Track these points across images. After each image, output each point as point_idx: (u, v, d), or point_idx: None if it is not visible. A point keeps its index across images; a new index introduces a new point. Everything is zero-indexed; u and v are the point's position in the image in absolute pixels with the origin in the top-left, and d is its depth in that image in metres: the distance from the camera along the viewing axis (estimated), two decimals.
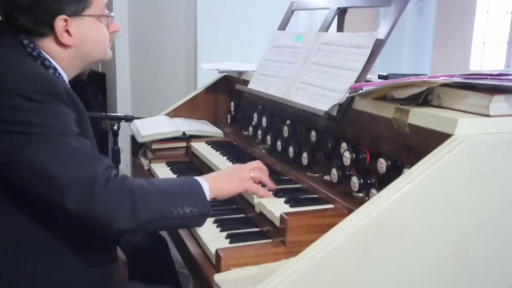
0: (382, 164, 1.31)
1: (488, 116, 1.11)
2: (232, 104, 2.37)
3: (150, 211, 1.21)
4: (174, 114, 2.44)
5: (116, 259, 1.39)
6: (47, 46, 1.34)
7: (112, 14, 1.48)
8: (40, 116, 1.18)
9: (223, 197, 1.41)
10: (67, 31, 1.34)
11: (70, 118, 1.24)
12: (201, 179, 1.35)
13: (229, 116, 2.40)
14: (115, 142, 2.87)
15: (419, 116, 1.17)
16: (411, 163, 1.10)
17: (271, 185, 1.50)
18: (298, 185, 1.58)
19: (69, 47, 1.36)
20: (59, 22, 1.32)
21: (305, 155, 1.65)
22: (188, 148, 2.19)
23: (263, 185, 1.49)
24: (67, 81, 1.39)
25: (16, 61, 1.27)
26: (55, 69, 1.34)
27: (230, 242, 1.33)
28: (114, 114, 3.18)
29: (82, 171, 1.17)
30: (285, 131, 1.81)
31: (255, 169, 1.48)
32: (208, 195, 1.33)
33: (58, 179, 1.15)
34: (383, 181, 1.27)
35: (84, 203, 1.15)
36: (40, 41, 1.34)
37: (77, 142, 1.21)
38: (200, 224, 1.33)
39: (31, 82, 1.19)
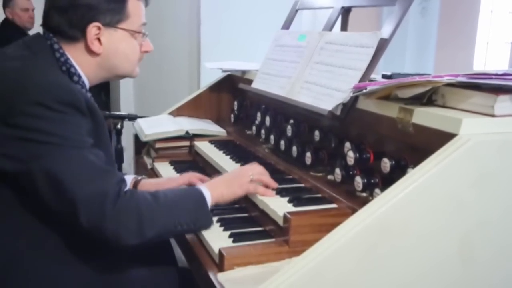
0: (386, 164, 1.31)
1: (493, 116, 1.11)
2: (235, 103, 2.37)
3: (156, 228, 1.25)
4: (177, 113, 2.44)
5: (125, 261, 1.39)
6: (75, 51, 1.36)
7: (147, 33, 1.48)
8: (57, 126, 1.19)
9: (224, 202, 1.45)
10: (98, 39, 1.36)
11: (85, 129, 1.25)
12: (204, 188, 1.39)
13: (232, 115, 2.40)
14: (119, 141, 2.88)
15: (424, 116, 1.17)
16: (415, 163, 1.10)
17: (273, 184, 1.50)
18: (302, 185, 1.58)
19: (97, 55, 1.38)
20: (92, 29, 1.34)
21: (308, 154, 1.65)
22: (191, 147, 2.19)
23: (266, 187, 1.50)
24: (87, 87, 1.41)
25: (43, 69, 1.28)
26: (80, 77, 1.36)
27: (234, 241, 1.33)
28: (117, 113, 3.19)
29: (94, 188, 1.19)
30: (289, 130, 1.81)
31: (255, 173, 1.49)
32: (210, 203, 1.38)
33: (72, 194, 1.17)
34: (387, 180, 1.27)
35: (94, 220, 1.18)
36: (69, 46, 1.35)
37: (92, 154, 1.23)
38: (201, 231, 1.39)
39: (53, 92, 1.20)
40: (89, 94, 1.37)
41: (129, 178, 1.72)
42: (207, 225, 1.38)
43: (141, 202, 1.25)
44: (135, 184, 1.70)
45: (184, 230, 1.33)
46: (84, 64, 1.38)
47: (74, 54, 1.36)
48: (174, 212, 1.30)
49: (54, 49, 1.33)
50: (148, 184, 1.69)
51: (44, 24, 1.37)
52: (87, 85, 1.41)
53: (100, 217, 1.17)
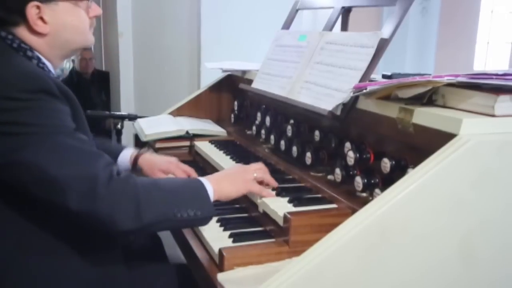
0: (386, 164, 1.31)
1: (493, 116, 1.11)
2: (235, 103, 2.37)
3: (154, 213, 1.20)
4: (177, 113, 2.44)
5: (120, 257, 1.39)
6: (23, 35, 1.28)
7: None
8: (34, 115, 1.15)
9: (226, 199, 1.41)
10: (41, 19, 1.27)
11: (65, 113, 1.20)
12: (205, 181, 1.34)
13: (232, 115, 2.40)
14: (119, 140, 2.89)
15: (424, 116, 1.17)
16: (415, 163, 1.10)
17: (274, 183, 1.50)
18: (302, 185, 1.58)
19: (45, 35, 1.29)
20: (31, 9, 1.24)
21: (308, 154, 1.65)
22: (191, 147, 2.19)
23: (266, 185, 1.49)
24: (53, 71, 1.35)
25: (1, 60, 1.23)
26: (39, 59, 1.29)
27: (234, 242, 1.33)
28: (117, 113, 3.19)
29: (81, 170, 1.15)
30: (289, 130, 1.81)
31: (258, 170, 1.48)
32: (212, 197, 1.33)
33: (58, 181, 1.13)
34: (387, 181, 1.27)
35: (86, 202, 1.14)
36: (16, 31, 1.27)
37: (74, 139, 1.19)
38: (203, 225, 1.35)
39: (20, 82, 1.16)
40: (52, 75, 1.31)
41: (129, 152, 1.73)
42: (209, 216, 1.30)
43: (139, 184, 1.20)
44: (136, 157, 1.71)
45: (184, 219, 1.25)
46: (36, 47, 1.29)
47: (24, 38, 1.28)
48: (175, 198, 1.24)
49: (2, 37, 1.26)
50: (146, 160, 1.70)
51: None
52: (51, 67, 1.34)
53: (92, 199, 1.13)
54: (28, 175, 1.14)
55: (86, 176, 1.15)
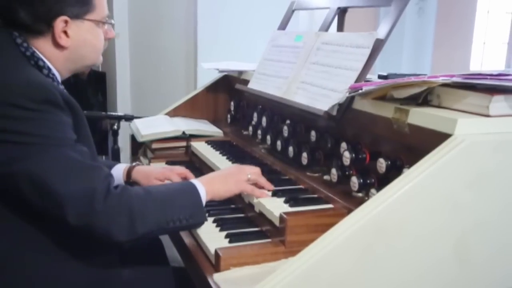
0: (381, 164, 1.31)
1: (488, 116, 1.11)
2: (232, 103, 2.37)
3: (148, 225, 1.24)
4: (174, 113, 2.44)
5: (117, 260, 1.39)
6: (41, 45, 1.32)
7: (113, 21, 1.48)
8: (38, 125, 1.17)
9: (219, 198, 1.44)
10: (65, 32, 1.32)
11: (67, 125, 1.23)
12: (198, 183, 1.38)
13: (229, 116, 2.40)
14: (115, 141, 2.88)
15: (419, 116, 1.17)
16: (410, 163, 1.10)
17: (269, 186, 1.50)
18: (298, 185, 1.58)
19: (65, 48, 1.34)
20: (59, 23, 1.30)
21: (304, 154, 1.65)
22: (188, 147, 2.19)
23: (261, 188, 1.49)
24: (60, 81, 1.38)
25: (10, 66, 1.24)
26: (49, 70, 1.32)
27: (230, 242, 1.33)
28: (114, 113, 3.17)
29: (81, 185, 1.17)
30: (285, 130, 1.81)
31: (252, 172, 1.49)
32: (205, 199, 1.37)
33: (57, 194, 1.15)
34: (383, 181, 1.27)
35: (83, 217, 1.17)
36: (34, 40, 1.31)
37: (75, 152, 1.21)
38: (196, 228, 1.38)
39: (27, 90, 1.18)
40: (61, 87, 1.33)
41: (122, 167, 1.72)
42: (201, 221, 1.36)
43: (133, 198, 1.23)
44: (129, 171, 1.70)
45: (177, 226, 1.30)
46: (51, 58, 1.33)
47: (41, 48, 1.31)
48: (168, 208, 1.28)
49: (17, 43, 1.28)
50: (140, 172, 1.69)
51: (4, 19, 1.31)
52: (59, 78, 1.37)
53: (90, 214, 1.16)
54: (27, 185, 1.16)
55: (85, 191, 1.17)
